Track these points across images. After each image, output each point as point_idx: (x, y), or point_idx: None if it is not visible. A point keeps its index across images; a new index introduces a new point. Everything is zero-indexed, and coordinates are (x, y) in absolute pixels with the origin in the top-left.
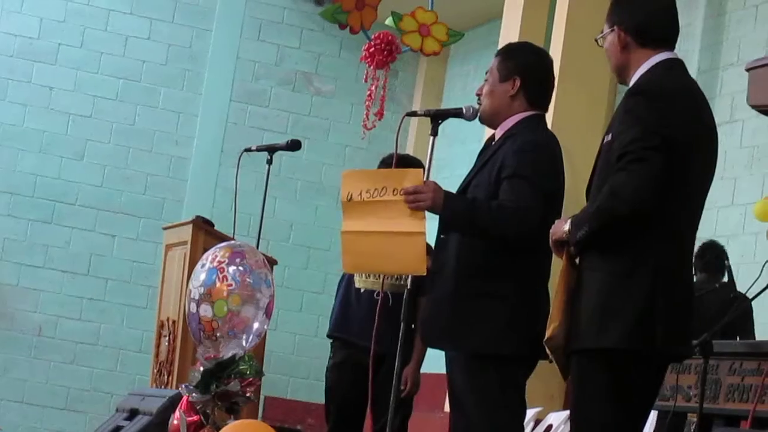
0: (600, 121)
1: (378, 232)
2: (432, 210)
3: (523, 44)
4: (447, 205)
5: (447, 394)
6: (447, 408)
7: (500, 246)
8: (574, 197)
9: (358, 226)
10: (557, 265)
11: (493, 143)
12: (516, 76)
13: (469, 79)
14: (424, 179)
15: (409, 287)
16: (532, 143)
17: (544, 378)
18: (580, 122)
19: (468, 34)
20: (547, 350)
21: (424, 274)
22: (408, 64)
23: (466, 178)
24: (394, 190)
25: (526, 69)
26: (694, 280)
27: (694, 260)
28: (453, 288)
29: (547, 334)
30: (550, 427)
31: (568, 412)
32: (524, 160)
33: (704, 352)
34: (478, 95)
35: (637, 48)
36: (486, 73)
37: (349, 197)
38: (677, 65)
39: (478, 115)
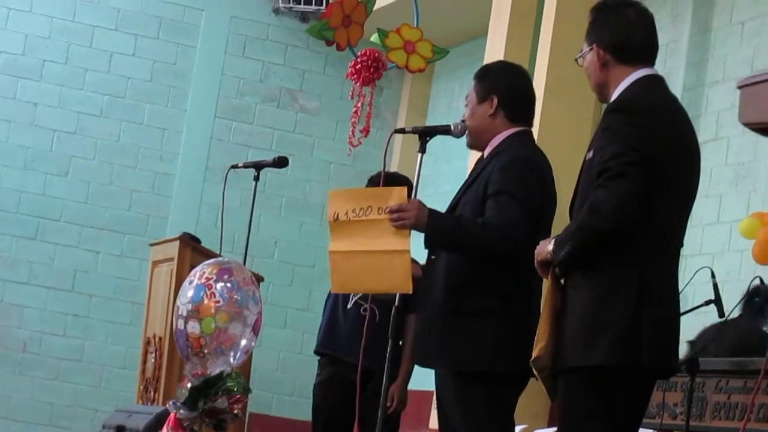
0: (585, 138)
1: (364, 251)
2: (416, 228)
3: (497, 63)
4: (431, 223)
5: (432, 411)
6: (432, 425)
7: (488, 263)
8: (559, 215)
9: (345, 245)
10: (544, 283)
11: (482, 161)
12: (492, 95)
13: (454, 96)
14: (410, 197)
15: (396, 304)
16: (518, 160)
17: (529, 395)
18: (565, 139)
19: (453, 51)
20: (534, 370)
21: (411, 292)
22: (393, 81)
23: (455, 196)
24: (379, 209)
25: (502, 86)
26: (738, 314)
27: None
28: (442, 306)
29: (534, 354)
30: None
31: (552, 429)
32: (510, 177)
33: (690, 370)
34: (463, 121)
35: (616, 65)
36: (466, 97)
37: (335, 217)
38: (657, 81)
39: (467, 142)
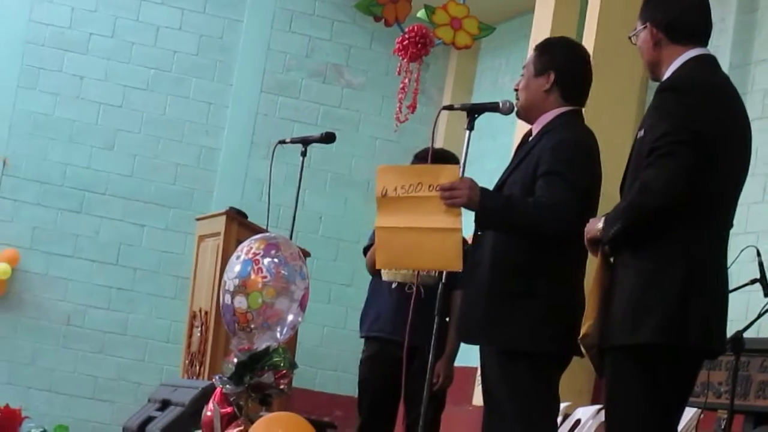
0: (631, 117)
1: (413, 228)
2: (467, 206)
3: (560, 39)
4: (482, 202)
5: (476, 388)
6: (475, 401)
7: (536, 243)
8: (604, 194)
9: (393, 221)
10: (592, 262)
11: (530, 139)
12: (550, 70)
13: (499, 73)
14: (460, 175)
15: (443, 281)
16: (569, 140)
17: (572, 373)
18: (610, 118)
19: (499, 27)
20: (582, 348)
21: (460, 270)
22: (439, 58)
23: (503, 175)
24: (429, 186)
25: (561, 64)
26: None
27: None
28: (488, 285)
29: (582, 332)
30: (578, 421)
31: (596, 406)
32: (560, 157)
33: (735, 349)
34: (516, 90)
35: (668, 44)
36: (523, 68)
37: (384, 193)
38: (709, 61)
39: (516, 110)
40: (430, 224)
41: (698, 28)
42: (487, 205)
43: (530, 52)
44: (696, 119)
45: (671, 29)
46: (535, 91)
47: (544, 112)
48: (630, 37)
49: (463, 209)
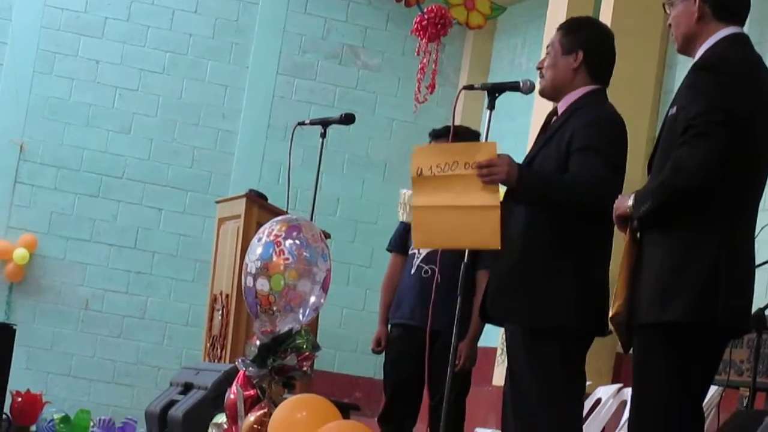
0: (648, 96)
1: (451, 206)
2: (506, 183)
3: (587, 18)
4: (521, 178)
5: (495, 369)
6: (495, 382)
7: (568, 219)
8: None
9: (430, 201)
10: (618, 241)
11: (556, 117)
12: (579, 49)
13: (516, 53)
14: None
15: (465, 261)
16: (603, 117)
17: (594, 353)
18: (627, 97)
19: (515, 7)
20: (611, 326)
21: (499, 248)
22: (455, 38)
23: (530, 152)
24: (465, 164)
25: (589, 43)
26: None
27: None
28: (518, 263)
29: (612, 311)
30: (598, 401)
31: (616, 386)
32: (596, 134)
33: (757, 327)
34: (540, 69)
35: (712, 20)
36: (547, 47)
37: (419, 172)
38: (743, 40)
39: (540, 88)
40: (468, 202)
41: (743, 8)
42: (525, 180)
43: (547, 32)
44: (731, 99)
45: (720, 6)
46: (564, 69)
47: (571, 90)
48: (664, 5)
49: None
